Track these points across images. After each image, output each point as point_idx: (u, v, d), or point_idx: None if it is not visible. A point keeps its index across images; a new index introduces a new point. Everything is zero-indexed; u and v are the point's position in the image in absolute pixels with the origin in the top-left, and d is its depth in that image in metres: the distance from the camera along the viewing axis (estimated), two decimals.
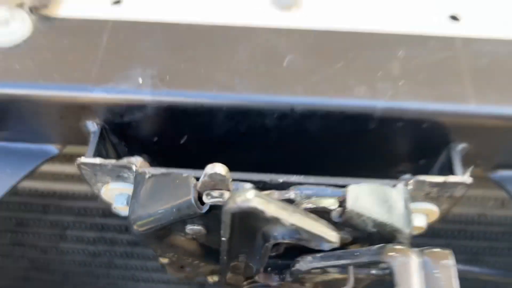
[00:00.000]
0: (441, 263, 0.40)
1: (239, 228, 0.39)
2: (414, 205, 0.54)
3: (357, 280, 0.53)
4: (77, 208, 0.90)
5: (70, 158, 0.80)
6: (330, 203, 0.41)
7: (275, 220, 0.35)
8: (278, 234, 0.39)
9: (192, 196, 0.42)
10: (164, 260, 0.57)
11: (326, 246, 0.39)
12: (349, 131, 0.54)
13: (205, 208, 0.42)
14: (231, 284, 0.55)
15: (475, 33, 0.58)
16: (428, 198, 0.54)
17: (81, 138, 0.58)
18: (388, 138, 0.55)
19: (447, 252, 0.41)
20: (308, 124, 0.53)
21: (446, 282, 0.39)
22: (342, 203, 0.42)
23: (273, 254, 0.51)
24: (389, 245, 0.41)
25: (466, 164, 0.59)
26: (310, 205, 0.40)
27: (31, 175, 0.62)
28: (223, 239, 0.39)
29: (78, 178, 0.84)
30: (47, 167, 0.82)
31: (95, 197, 0.60)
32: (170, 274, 0.62)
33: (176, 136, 0.57)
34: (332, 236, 0.39)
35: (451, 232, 0.90)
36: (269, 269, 0.53)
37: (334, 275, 0.51)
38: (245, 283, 0.56)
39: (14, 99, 0.54)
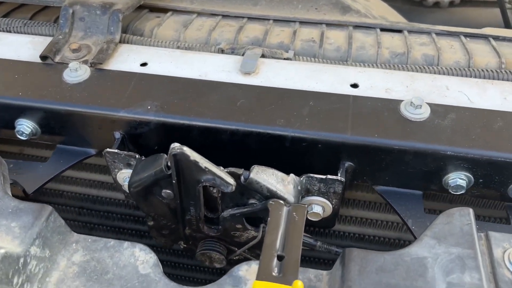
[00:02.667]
0: (298, 208, 0.69)
1: (183, 182, 0.70)
2: (312, 198, 0.83)
3: None
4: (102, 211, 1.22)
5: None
6: (241, 171, 0.72)
7: (197, 166, 0.66)
8: (203, 179, 0.69)
9: (163, 164, 0.74)
10: (150, 223, 0.88)
11: (228, 188, 0.69)
12: (273, 147, 0.85)
13: (169, 171, 0.73)
14: (192, 237, 0.84)
15: (364, 94, 0.90)
16: (320, 193, 0.83)
17: (109, 145, 0.91)
18: (300, 154, 0.85)
19: (303, 206, 0.70)
20: (247, 140, 0.85)
21: (299, 218, 0.68)
22: (248, 174, 0.73)
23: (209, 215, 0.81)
24: (271, 200, 0.71)
25: (356, 179, 0.88)
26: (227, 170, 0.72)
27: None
28: (173, 181, 0.70)
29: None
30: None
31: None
32: (155, 240, 0.92)
33: (168, 146, 0.90)
34: (229, 178, 0.69)
35: None
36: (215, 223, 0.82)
37: (252, 232, 0.80)
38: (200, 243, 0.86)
39: (74, 114, 0.89)
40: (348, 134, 0.83)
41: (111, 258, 0.72)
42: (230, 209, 0.76)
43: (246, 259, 0.90)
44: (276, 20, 1.17)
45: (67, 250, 0.73)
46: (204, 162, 0.67)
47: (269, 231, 0.66)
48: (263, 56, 1.01)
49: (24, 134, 0.93)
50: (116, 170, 0.88)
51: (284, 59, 1.01)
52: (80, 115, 0.90)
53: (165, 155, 0.76)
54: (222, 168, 0.72)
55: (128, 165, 0.86)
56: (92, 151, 0.96)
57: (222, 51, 1.04)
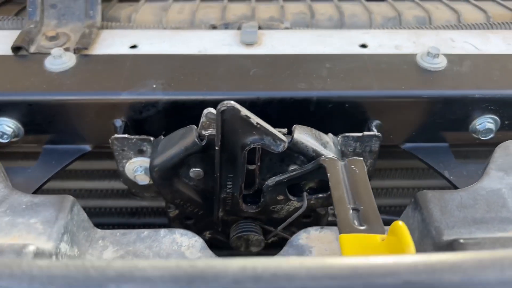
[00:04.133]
0: (355, 162, 0.63)
1: (225, 150, 0.62)
2: None
3: (312, 211, 0.76)
4: None
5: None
6: (284, 131, 0.66)
7: (248, 123, 0.58)
8: (249, 141, 0.61)
9: (195, 136, 0.65)
10: (173, 213, 0.78)
11: (279, 147, 0.62)
12: (296, 113, 0.79)
13: (204, 141, 0.65)
14: (223, 221, 0.75)
15: (376, 52, 0.87)
16: (355, 154, 0.78)
17: (107, 137, 0.80)
18: (326, 117, 0.80)
19: (360, 158, 0.64)
20: (268, 109, 0.78)
21: (360, 170, 0.62)
22: (292, 135, 0.66)
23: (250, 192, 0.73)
24: (322, 157, 0.65)
25: (383, 140, 0.84)
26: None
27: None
28: (216, 148, 0.61)
29: None
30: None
31: None
32: None
33: (177, 127, 0.81)
34: (281, 135, 0.62)
35: None
36: (248, 201, 0.74)
37: (294, 203, 0.73)
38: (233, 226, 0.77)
39: (66, 103, 0.78)
40: (375, 89, 0.79)
41: (149, 249, 0.62)
42: (274, 177, 0.68)
43: (282, 240, 0.83)
44: (258, 0, 1.13)
45: (94, 248, 0.62)
46: (255, 118, 0.59)
47: (333, 186, 0.60)
48: (259, 28, 0.95)
49: (5, 136, 0.79)
50: (125, 161, 0.78)
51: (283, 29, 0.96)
52: (74, 104, 0.78)
53: (195, 127, 0.67)
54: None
55: (140, 152, 0.76)
56: (87, 147, 0.85)
57: (214, 28, 0.97)
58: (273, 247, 0.84)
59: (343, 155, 0.77)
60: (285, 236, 0.79)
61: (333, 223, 0.93)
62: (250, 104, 0.78)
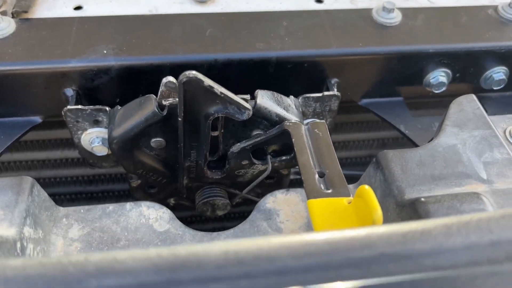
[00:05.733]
0: (318, 125, 0.64)
1: (188, 120, 0.61)
2: (307, 121, 0.79)
3: (276, 172, 0.77)
4: None
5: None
6: (247, 97, 0.65)
7: (211, 93, 0.57)
8: (213, 111, 0.61)
9: (154, 106, 0.63)
10: (135, 183, 0.77)
11: (244, 115, 0.61)
12: (255, 75, 0.78)
13: (165, 111, 0.63)
14: (188, 188, 0.75)
15: (332, 8, 0.86)
16: (315, 114, 0.78)
17: (58, 107, 0.76)
18: (285, 77, 0.79)
19: (322, 121, 0.65)
20: (226, 71, 0.77)
21: (323, 133, 0.63)
22: (255, 100, 0.66)
23: (215, 158, 0.73)
24: (286, 122, 0.65)
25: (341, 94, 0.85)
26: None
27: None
28: (179, 119, 0.60)
29: None
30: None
31: None
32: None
33: (133, 95, 0.78)
34: (246, 103, 0.61)
35: None
36: (212, 167, 0.74)
37: (259, 167, 0.73)
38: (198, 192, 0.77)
39: (10, 74, 0.73)
40: (334, 47, 0.79)
41: (117, 224, 0.61)
42: (238, 143, 0.68)
43: (246, 202, 0.84)
44: None
45: (58, 227, 0.60)
46: (218, 87, 0.57)
47: (299, 151, 0.60)
48: None
49: None
50: (80, 132, 0.74)
51: None
52: (19, 75, 0.73)
53: (154, 96, 0.65)
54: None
55: (96, 122, 0.73)
56: (38, 119, 0.80)
57: None
58: (238, 207, 0.86)
59: (303, 115, 0.78)
60: (250, 198, 0.80)
61: (295, 181, 0.95)
62: (208, 67, 0.76)
